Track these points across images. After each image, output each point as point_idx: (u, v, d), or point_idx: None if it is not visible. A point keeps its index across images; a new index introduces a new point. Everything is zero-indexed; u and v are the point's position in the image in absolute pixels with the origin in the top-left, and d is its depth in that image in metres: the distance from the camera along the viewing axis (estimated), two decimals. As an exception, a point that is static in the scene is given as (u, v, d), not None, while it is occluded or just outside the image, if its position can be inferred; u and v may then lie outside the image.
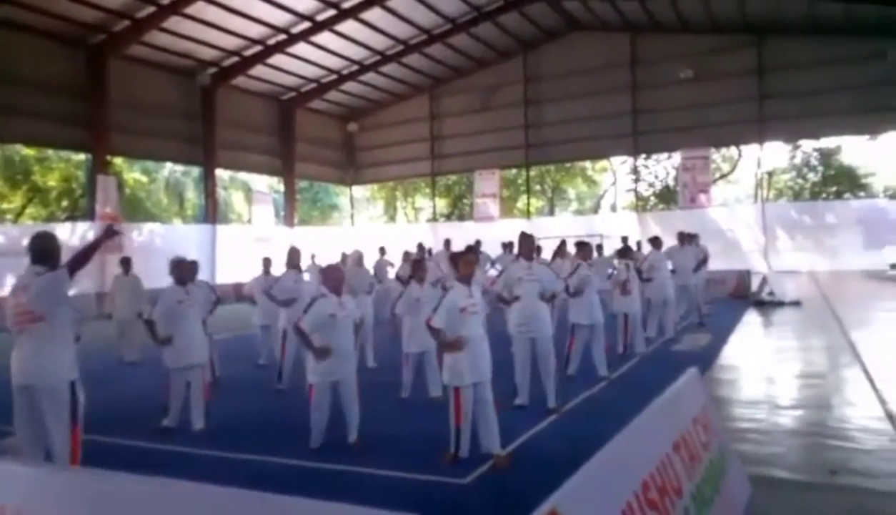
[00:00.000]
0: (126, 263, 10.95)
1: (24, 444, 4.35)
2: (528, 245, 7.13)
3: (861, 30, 22.61)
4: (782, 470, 4.71)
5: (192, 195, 34.65)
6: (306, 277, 9.06)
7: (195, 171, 28.25)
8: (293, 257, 8.76)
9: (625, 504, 2.55)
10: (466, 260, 5.43)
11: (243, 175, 34.99)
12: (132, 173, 32.58)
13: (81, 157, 23.76)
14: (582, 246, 8.52)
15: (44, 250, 4.41)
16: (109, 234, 4.66)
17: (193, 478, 2.43)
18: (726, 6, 22.89)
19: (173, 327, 6.28)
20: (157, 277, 17.55)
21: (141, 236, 22.35)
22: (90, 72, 20.15)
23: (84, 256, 4.39)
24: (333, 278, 5.77)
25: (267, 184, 33.48)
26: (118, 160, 26.49)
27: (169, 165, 33.46)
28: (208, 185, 25.17)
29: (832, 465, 4.67)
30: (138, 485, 2.48)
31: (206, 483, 2.39)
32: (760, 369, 8.52)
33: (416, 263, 7.86)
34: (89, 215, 20.89)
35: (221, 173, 28.89)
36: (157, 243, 22.60)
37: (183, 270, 6.59)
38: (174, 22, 20.16)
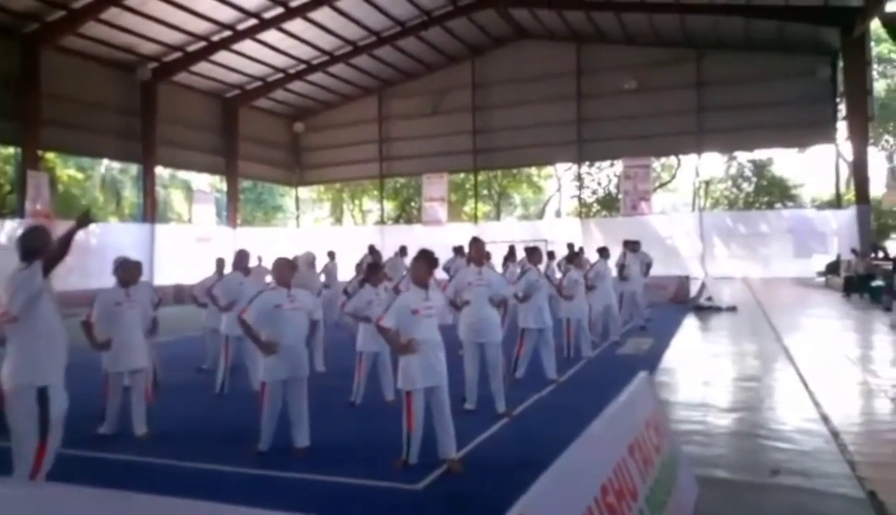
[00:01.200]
0: None
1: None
2: (477, 250, 7.15)
3: (793, 48, 23.75)
4: (726, 471, 4.85)
5: (130, 193, 33.49)
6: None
7: (133, 168, 27.31)
8: (241, 258, 8.56)
9: (585, 509, 2.57)
10: (420, 264, 5.34)
11: (184, 174, 34.05)
12: (66, 170, 31.27)
13: (11, 151, 22.65)
14: (532, 251, 8.60)
15: (28, 247, 4.06)
16: (84, 223, 4.19)
17: (134, 488, 2.33)
18: (669, 20, 23.66)
19: (111, 329, 6.04)
20: (92, 276, 16.92)
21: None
22: (22, 63, 19.24)
23: (59, 250, 4.05)
24: (281, 269, 5.64)
25: (209, 183, 32.69)
26: (51, 156, 25.40)
27: (106, 162, 32.24)
28: (147, 183, 24.36)
29: (773, 466, 4.84)
30: (77, 497, 2.34)
31: (149, 494, 2.27)
32: (701, 372, 8.77)
33: (373, 266, 7.78)
34: (18, 212, 19.93)
35: (161, 171, 28.04)
36: (92, 242, 21.70)
37: (128, 271, 6.34)
38: (113, 14, 19.48)
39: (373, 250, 12.06)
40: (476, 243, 7.19)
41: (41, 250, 4.06)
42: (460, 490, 4.55)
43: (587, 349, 9.75)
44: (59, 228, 18.53)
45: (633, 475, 3.22)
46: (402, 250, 14.48)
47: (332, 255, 15.23)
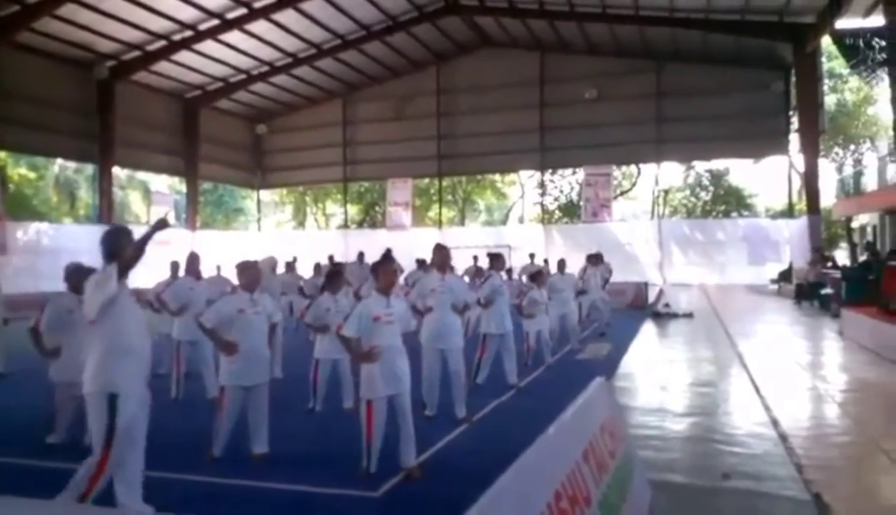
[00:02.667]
0: None
1: None
2: (440, 257, 7.17)
3: (748, 62, 24.46)
4: (680, 475, 4.95)
5: (86, 194, 32.65)
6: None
7: (89, 168, 26.61)
8: (192, 262, 8.45)
9: None
10: (385, 270, 5.30)
11: (142, 175, 33.34)
12: (18, 169, 30.33)
13: (-42, 148, 21.91)
14: (495, 258, 8.68)
15: (109, 248, 4.01)
16: (160, 226, 4.14)
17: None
18: (629, 32, 24.12)
19: (62, 337, 5.85)
20: (43, 278, 16.47)
21: (26, 235, 20.80)
22: (-30, 58, 18.63)
23: (135, 252, 3.96)
24: (247, 273, 5.60)
25: (168, 185, 32.08)
26: (2, 154, 24.63)
27: (60, 162, 31.35)
28: (103, 183, 23.77)
29: (724, 469, 4.96)
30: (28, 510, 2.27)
31: (99, 507, 2.23)
32: (658, 377, 8.95)
33: (332, 274, 7.70)
34: (-34, 211, 19.27)
35: (118, 172, 27.39)
36: (44, 242, 21.13)
37: (80, 278, 6.15)
38: (70, 10, 18.98)
39: (333, 260, 11.94)
40: (439, 249, 7.21)
41: (119, 252, 3.98)
42: (419, 497, 4.56)
43: (547, 355, 9.84)
44: (10, 230, 17.97)
45: (587, 480, 3.26)
46: (361, 257, 14.33)
47: (291, 266, 14.92)
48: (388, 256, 5.62)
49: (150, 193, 30.23)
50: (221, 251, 21.56)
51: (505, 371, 8.21)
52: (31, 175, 31.83)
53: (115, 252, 3.99)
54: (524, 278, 14.00)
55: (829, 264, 19.70)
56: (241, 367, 5.28)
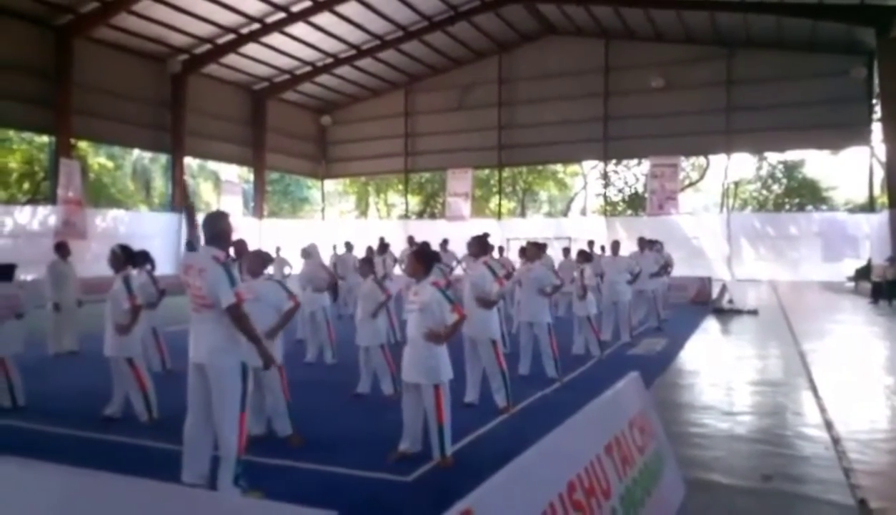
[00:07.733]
0: (65, 247, 10.48)
1: (190, 424, 4.37)
2: (475, 246, 7.27)
3: (826, 47, 23.22)
4: (721, 475, 4.81)
5: (160, 183, 34.10)
6: (270, 270, 8.94)
7: (163, 158, 27.80)
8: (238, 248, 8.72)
9: (547, 504, 2.59)
10: (408, 259, 5.44)
11: (212, 165, 34.58)
12: (97, 158, 31.97)
13: (44, 139, 23.24)
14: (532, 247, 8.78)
15: (217, 231, 4.45)
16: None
17: (137, 470, 2.45)
18: (698, 18, 23.30)
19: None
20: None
21: (104, 221, 21.95)
22: (56, 53, 19.72)
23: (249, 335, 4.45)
24: (251, 260, 5.86)
25: (237, 174, 33.15)
26: (83, 144, 25.99)
27: (136, 152, 32.86)
28: (176, 172, 24.81)
29: (769, 471, 4.79)
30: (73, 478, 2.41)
31: (144, 478, 2.35)
32: (713, 375, 8.69)
33: (365, 261, 7.89)
34: (51, 198, 20.46)
35: (190, 162, 28.50)
36: (120, 229, 22.23)
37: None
38: (145, 6, 19.84)
39: (372, 250, 12.90)
40: (475, 240, 7.31)
41: (225, 235, 4.49)
42: (448, 483, 4.58)
43: (595, 348, 9.71)
44: (89, 216, 19.01)
45: (609, 473, 3.22)
46: (410, 241, 15.20)
47: (349, 246, 15.45)
48: (417, 249, 5.70)
49: (220, 182, 31.29)
50: (287, 239, 22.21)
51: (543, 365, 8.13)
52: (110, 164, 33.46)
53: (220, 236, 4.44)
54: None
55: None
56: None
